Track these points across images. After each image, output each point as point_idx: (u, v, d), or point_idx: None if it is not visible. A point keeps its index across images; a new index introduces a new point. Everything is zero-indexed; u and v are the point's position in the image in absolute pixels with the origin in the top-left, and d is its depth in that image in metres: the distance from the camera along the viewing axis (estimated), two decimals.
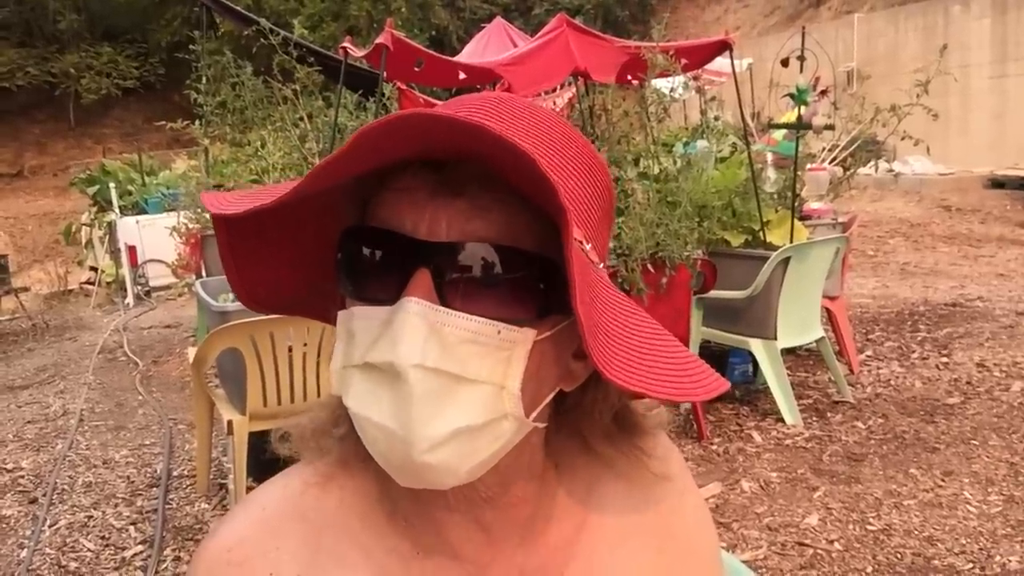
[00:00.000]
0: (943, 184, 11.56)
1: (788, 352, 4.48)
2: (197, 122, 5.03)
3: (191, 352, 3.46)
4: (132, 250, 9.17)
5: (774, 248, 4.03)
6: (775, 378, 3.97)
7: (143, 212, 9.72)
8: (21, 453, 4.28)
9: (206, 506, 3.42)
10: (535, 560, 0.67)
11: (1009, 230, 9.68)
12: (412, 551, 0.65)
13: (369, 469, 0.65)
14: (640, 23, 20.06)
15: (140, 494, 3.62)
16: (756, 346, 3.99)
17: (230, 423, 3.02)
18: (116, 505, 3.52)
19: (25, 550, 3.14)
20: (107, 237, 10.15)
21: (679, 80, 4.41)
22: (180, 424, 4.52)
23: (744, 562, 1.45)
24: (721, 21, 19.75)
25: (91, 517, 3.40)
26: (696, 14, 21.64)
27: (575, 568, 0.68)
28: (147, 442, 4.31)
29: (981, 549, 2.74)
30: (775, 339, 3.97)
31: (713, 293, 3.87)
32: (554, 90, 7.02)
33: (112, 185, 9.96)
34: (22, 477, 3.93)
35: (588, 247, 0.58)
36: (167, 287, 9.00)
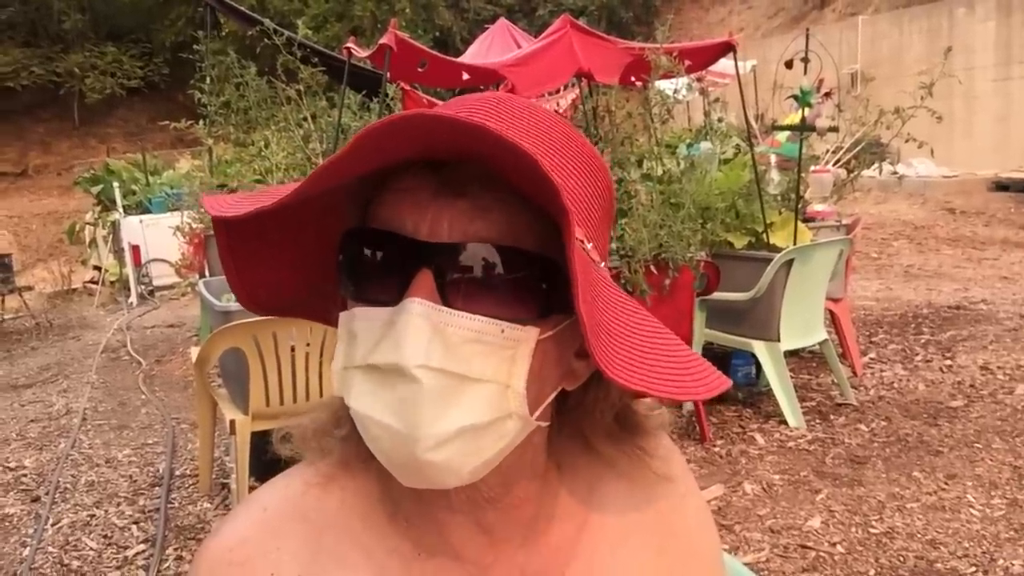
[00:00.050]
0: (947, 186, 11.54)
1: (791, 354, 4.48)
2: (201, 122, 5.03)
3: (194, 352, 3.46)
4: (136, 249, 9.19)
5: (777, 250, 4.03)
6: (778, 380, 3.97)
7: (147, 212, 9.74)
8: (24, 452, 4.28)
9: (208, 506, 3.42)
10: (536, 561, 0.67)
11: (1013, 233, 9.66)
12: (413, 552, 0.64)
13: (370, 470, 0.65)
14: (644, 24, 20.06)
15: (142, 493, 3.63)
16: (759, 348, 3.99)
17: (232, 423, 3.02)
18: (118, 504, 3.52)
19: (28, 548, 3.15)
20: (111, 236, 10.16)
21: (683, 81, 4.40)
22: (183, 423, 4.52)
23: (746, 564, 1.44)
24: (725, 23, 19.74)
25: (93, 516, 3.41)
26: (700, 15, 21.63)
27: (576, 568, 0.68)
28: (150, 441, 4.32)
29: (984, 552, 2.73)
30: (778, 341, 3.96)
31: (716, 295, 3.86)
32: (558, 91, 7.02)
33: (116, 184, 9.98)
34: (25, 476, 3.94)
35: (589, 246, 0.58)
36: (170, 286, 9.02)
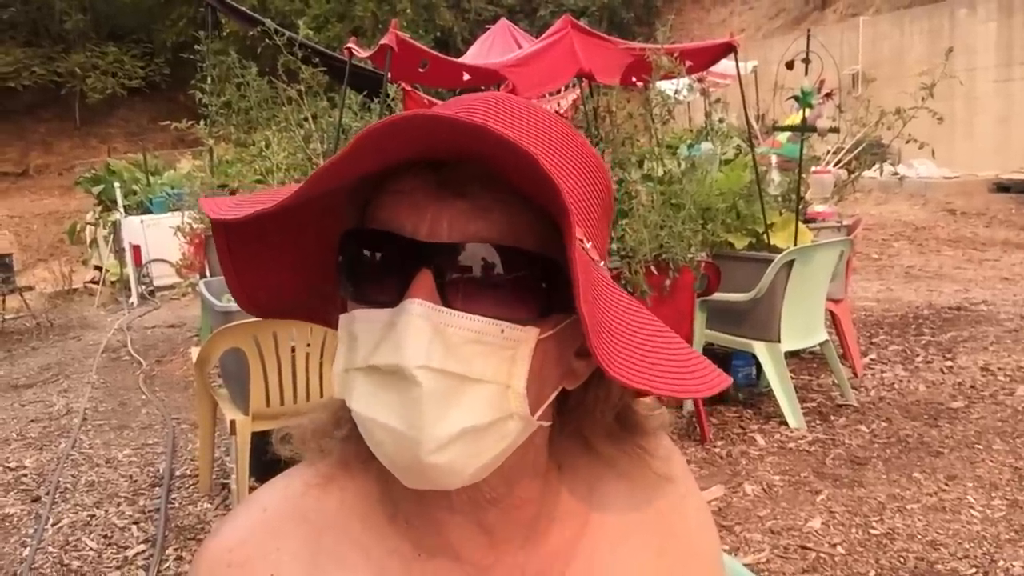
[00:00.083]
0: (948, 187, 11.54)
1: (792, 355, 4.47)
2: (202, 122, 5.04)
3: (194, 352, 3.46)
4: (136, 249, 9.19)
5: (778, 251, 4.03)
6: (778, 381, 3.97)
7: (148, 212, 9.74)
8: (24, 452, 4.29)
9: (208, 506, 3.42)
10: (536, 561, 0.67)
11: (1014, 234, 9.65)
12: (413, 552, 0.64)
13: (370, 471, 0.65)
14: (645, 25, 20.07)
15: (143, 493, 3.63)
16: (760, 349, 3.99)
17: (233, 423, 3.02)
18: (119, 504, 3.52)
19: (28, 548, 3.15)
20: (111, 236, 10.17)
21: (684, 82, 4.41)
22: (183, 424, 4.52)
23: (746, 565, 1.44)
24: (726, 23, 19.73)
25: (93, 516, 3.41)
26: (701, 16, 21.63)
27: (576, 568, 0.68)
28: (150, 441, 4.32)
29: (984, 554, 2.73)
30: (779, 342, 3.96)
31: (717, 296, 3.86)
32: (558, 91, 7.02)
33: (117, 185, 9.98)
34: (25, 476, 3.94)
35: (588, 245, 0.58)
36: (171, 287, 9.02)
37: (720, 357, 4.28)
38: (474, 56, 7.67)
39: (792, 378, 4.13)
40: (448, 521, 0.64)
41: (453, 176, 0.55)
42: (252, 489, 2.89)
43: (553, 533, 0.68)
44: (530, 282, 0.56)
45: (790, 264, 3.89)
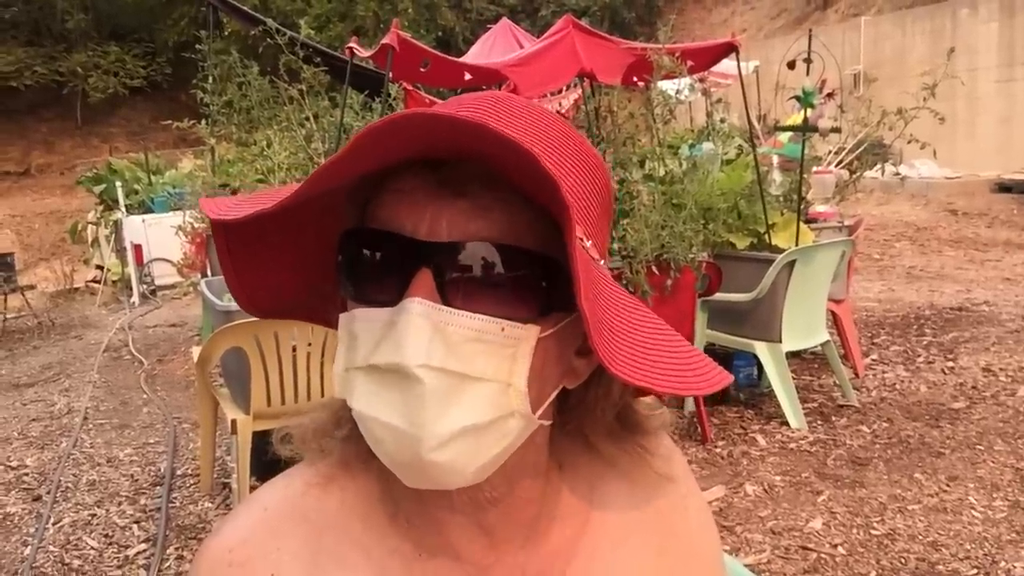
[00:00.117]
0: (949, 188, 11.53)
1: (793, 355, 4.47)
2: (203, 121, 5.04)
3: (196, 351, 3.47)
4: (138, 249, 9.20)
5: (779, 251, 4.02)
6: (780, 381, 3.96)
7: (149, 211, 9.75)
8: (26, 451, 4.29)
9: (209, 505, 3.43)
10: (537, 561, 0.67)
11: (1016, 234, 9.64)
12: (414, 552, 0.64)
13: (371, 470, 0.65)
14: (646, 25, 20.05)
15: (144, 493, 3.63)
16: (761, 349, 3.99)
17: (234, 422, 3.02)
18: (120, 503, 3.52)
19: (29, 547, 3.15)
20: (113, 236, 10.18)
21: (685, 82, 4.40)
22: (184, 423, 4.53)
23: (747, 566, 1.44)
24: (728, 23, 19.72)
25: (95, 515, 3.41)
26: (703, 16, 21.62)
27: (577, 567, 0.67)
28: (151, 441, 4.32)
29: (986, 554, 2.73)
30: (780, 342, 3.96)
31: (718, 296, 3.86)
32: (560, 91, 7.02)
33: (118, 184, 9.99)
34: (26, 475, 3.94)
35: (588, 244, 0.58)
36: (172, 286, 9.03)
37: (721, 357, 4.27)
38: (475, 56, 7.67)
39: (793, 378, 4.12)
40: (449, 521, 0.64)
41: (453, 175, 0.55)
42: (253, 488, 2.89)
43: (554, 532, 0.68)
44: (530, 280, 0.55)
45: (791, 264, 3.88)
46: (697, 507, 0.76)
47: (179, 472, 3.83)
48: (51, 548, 3.15)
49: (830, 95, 5.81)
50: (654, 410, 0.71)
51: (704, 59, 4.75)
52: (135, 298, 9.13)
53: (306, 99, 4.45)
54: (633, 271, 3.47)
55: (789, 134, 5.29)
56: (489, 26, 9.95)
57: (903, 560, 2.73)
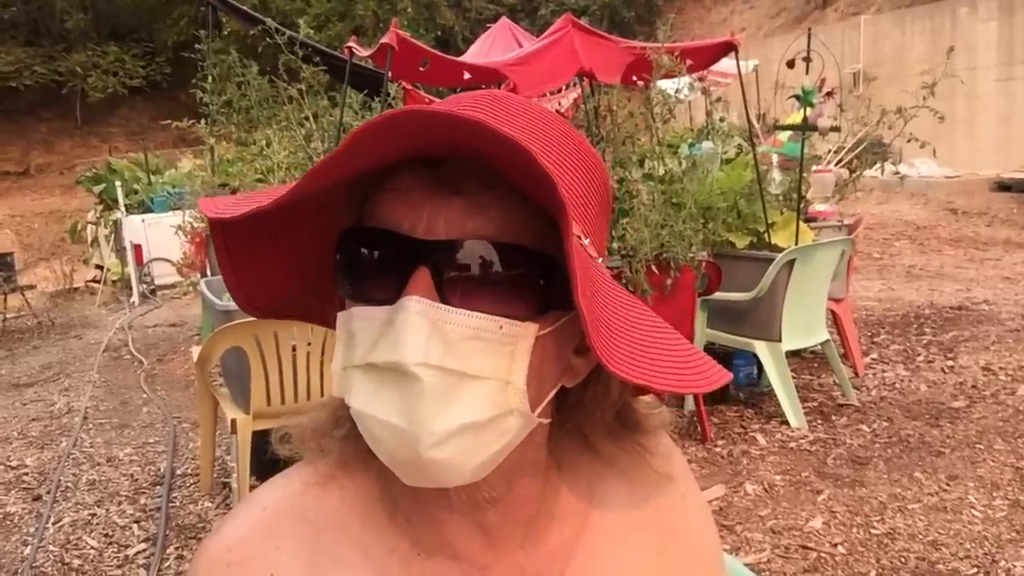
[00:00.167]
0: (949, 187, 11.53)
1: (793, 354, 4.47)
2: (203, 121, 5.03)
3: (195, 351, 3.47)
4: (138, 248, 9.20)
5: (779, 250, 4.02)
6: (779, 381, 3.96)
7: (149, 211, 9.75)
8: (26, 450, 4.29)
9: (209, 505, 3.43)
10: (536, 560, 0.66)
11: (1015, 233, 9.64)
12: (412, 551, 0.64)
13: (370, 469, 0.65)
14: (646, 24, 20.05)
15: (144, 492, 3.63)
16: (761, 348, 3.98)
17: (234, 422, 3.02)
18: (120, 503, 3.52)
19: (29, 547, 3.15)
20: (113, 235, 10.18)
21: (684, 81, 4.39)
22: (184, 423, 4.53)
23: (747, 565, 1.44)
24: (727, 22, 19.72)
25: (95, 515, 3.41)
26: (702, 15, 21.61)
27: (576, 567, 0.67)
28: (151, 440, 4.32)
29: (986, 554, 2.73)
30: (780, 341, 3.96)
31: (718, 295, 3.86)
32: (559, 90, 7.02)
33: (118, 184, 9.99)
34: (26, 474, 3.94)
35: (587, 242, 0.58)
36: (172, 286, 9.03)
37: (721, 356, 4.27)
38: (475, 55, 7.66)
39: (793, 377, 4.13)
40: (447, 520, 0.64)
41: (450, 173, 0.55)
42: (253, 488, 2.90)
43: (553, 532, 0.68)
44: (528, 279, 0.55)
45: (791, 263, 3.88)
46: (697, 506, 0.76)
47: (179, 472, 3.83)
48: (51, 548, 3.15)
49: (829, 94, 5.81)
50: (653, 409, 0.71)
51: (703, 58, 4.75)
52: (135, 298, 9.13)
53: (305, 98, 4.45)
54: (633, 270, 3.47)
55: (789, 133, 5.29)
56: (488, 25, 9.95)
57: (903, 559, 2.73)
